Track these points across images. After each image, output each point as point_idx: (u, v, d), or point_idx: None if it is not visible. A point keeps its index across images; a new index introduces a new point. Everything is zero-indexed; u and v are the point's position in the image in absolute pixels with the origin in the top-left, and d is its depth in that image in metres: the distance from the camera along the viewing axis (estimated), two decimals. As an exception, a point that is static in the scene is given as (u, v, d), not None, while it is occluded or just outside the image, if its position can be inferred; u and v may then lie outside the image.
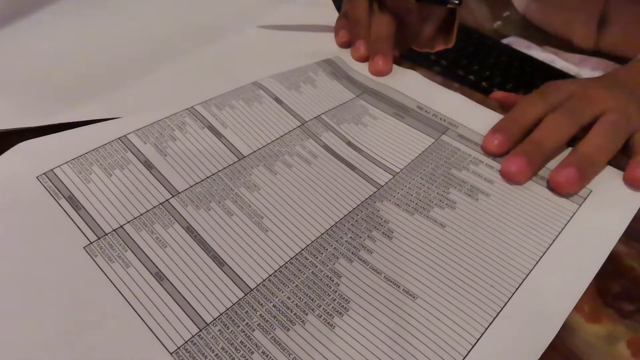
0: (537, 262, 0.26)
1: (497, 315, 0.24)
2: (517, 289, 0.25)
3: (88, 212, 0.25)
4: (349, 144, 0.32)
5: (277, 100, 0.33)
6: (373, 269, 0.25)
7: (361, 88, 0.37)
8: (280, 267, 0.25)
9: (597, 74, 0.40)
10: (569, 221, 0.28)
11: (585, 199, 0.30)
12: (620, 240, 0.27)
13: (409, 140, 0.33)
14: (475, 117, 0.34)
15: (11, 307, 0.21)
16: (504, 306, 0.25)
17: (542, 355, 0.23)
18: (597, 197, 0.29)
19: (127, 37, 0.38)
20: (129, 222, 0.25)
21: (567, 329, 0.24)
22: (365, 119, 0.34)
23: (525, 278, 0.26)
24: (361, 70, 0.38)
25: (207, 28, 0.41)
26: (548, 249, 0.27)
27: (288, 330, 0.23)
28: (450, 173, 0.31)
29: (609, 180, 0.30)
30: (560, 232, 0.28)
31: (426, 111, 0.35)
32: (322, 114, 0.34)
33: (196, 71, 0.36)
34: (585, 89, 0.33)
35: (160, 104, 0.31)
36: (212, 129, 0.30)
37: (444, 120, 0.34)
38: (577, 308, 0.25)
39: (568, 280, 0.26)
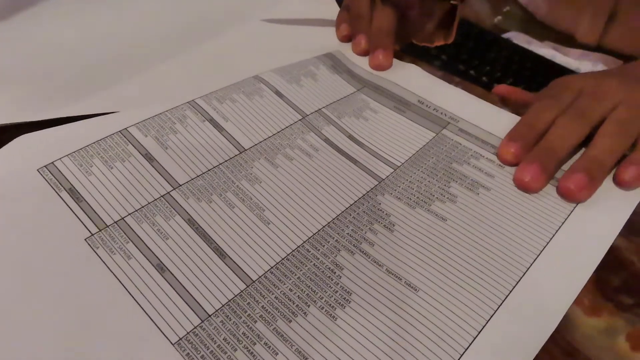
0: (537, 256, 0.26)
1: (497, 309, 0.24)
2: (517, 283, 0.25)
3: (89, 204, 0.24)
4: (350, 137, 0.32)
5: (278, 93, 0.33)
6: (375, 262, 0.25)
7: (362, 82, 0.36)
8: (282, 259, 0.25)
9: (597, 69, 0.40)
10: (569, 215, 0.28)
11: None
12: (621, 234, 0.27)
13: (409, 134, 0.33)
14: (476, 111, 0.34)
15: (12, 299, 0.21)
16: (504, 299, 0.25)
17: (542, 348, 0.23)
18: (597, 192, 0.29)
19: (127, 31, 0.38)
20: (130, 214, 0.25)
21: (566, 322, 0.24)
22: (367, 113, 0.34)
23: (526, 272, 0.26)
24: (362, 64, 0.38)
25: (208, 22, 0.40)
26: (548, 243, 0.27)
27: (290, 321, 0.23)
28: (452, 167, 0.31)
29: (609, 175, 0.30)
30: (560, 227, 0.28)
31: (427, 105, 0.35)
32: (323, 107, 0.33)
33: (197, 65, 0.36)
34: (595, 83, 0.32)
35: (161, 98, 0.31)
36: (213, 122, 0.30)
37: (445, 115, 0.34)
38: (577, 301, 0.25)
39: (568, 274, 0.26)
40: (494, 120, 0.34)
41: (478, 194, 0.29)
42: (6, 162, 0.25)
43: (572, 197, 0.29)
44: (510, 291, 0.25)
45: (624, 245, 0.27)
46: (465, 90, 0.36)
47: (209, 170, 0.28)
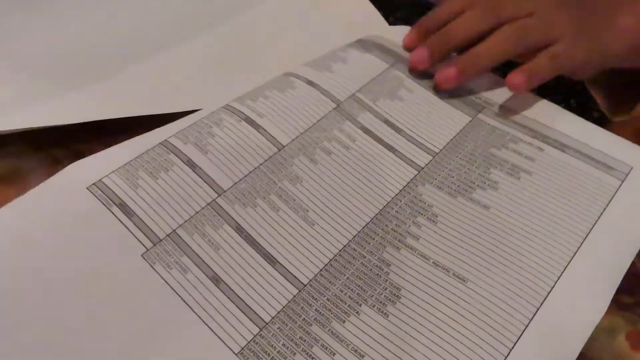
0: (584, 240, 0.26)
1: (548, 294, 0.25)
2: (565, 268, 0.26)
3: (141, 219, 0.25)
4: (387, 122, 0.32)
5: (310, 83, 0.33)
6: (421, 256, 0.26)
7: (394, 56, 0.36)
8: (330, 260, 0.25)
9: None
10: (611, 199, 0.28)
11: (627, 175, 0.30)
12: None
13: (446, 117, 0.32)
14: (509, 95, 0.34)
15: (76, 318, 0.22)
16: (554, 285, 0.25)
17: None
18: (637, 175, 0.30)
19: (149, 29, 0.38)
20: (180, 225, 0.25)
21: None
22: (402, 92, 0.34)
23: (573, 257, 0.26)
24: (392, 38, 0.37)
25: (240, 26, 0.40)
26: (593, 226, 0.27)
27: (344, 322, 0.23)
28: (490, 152, 0.31)
29: None
30: (604, 210, 0.28)
31: (462, 87, 0.34)
32: (357, 91, 0.33)
33: (229, 68, 0.36)
34: None
35: (194, 102, 0.31)
36: (248, 120, 0.30)
37: (480, 99, 0.34)
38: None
39: (613, 258, 0.26)
40: (528, 104, 0.33)
41: (519, 178, 0.29)
42: (58, 185, 0.26)
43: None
44: (559, 277, 0.25)
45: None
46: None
47: (250, 172, 0.28)
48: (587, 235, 0.27)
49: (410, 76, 0.34)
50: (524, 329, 0.24)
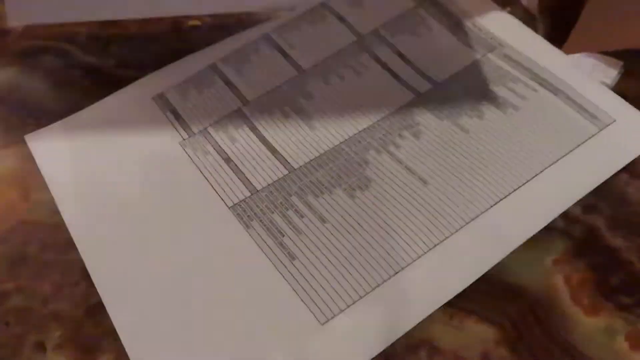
0: (543, 170, 0.29)
1: (493, 206, 0.28)
2: (516, 189, 0.29)
3: (184, 120, 0.34)
4: (399, 54, 0.36)
5: (340, 18, 0.38)
6: (397, 160, 0.30)
7: None
8: (320, 154, 0.31)
9: (598, 69, 0.37)
10: (583, 142, 0.30)
11: (607, 125, 0.31)
12: (620, 234, 0.28)
13: (457, 54, 0.36)
14: (524, 39, 0.36)
15: (129, 187, 0.31)
16: (499, 200, 0.29)
17: (540, 347, 0.25)
18: (616, 128, 0.31)
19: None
20: (210, 125, 0.33)
21: (565, 321, 0.25)
22: (421, 29, 0.37)
23: (527, 182, 0.29)
24: None
25: None
26: (557, 160, 0.30)
27: (317, 197, 0.29)
28: (488, 87, 0.33)
29: (633, 116, 0.32)
30: (572, 150, 0.30)
31: (479, 29, 0.37)
32: (380, 26, 0.37)
33: None
34: None
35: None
36: (280, 50, 0.37)
37: (494, 40, 0.36)
38: (576, 301, 0.26)
39: (560, 193, 0.29)
40: (542, 51, 0.35)
41: (505, 113, 0.32)
42: (132, 93, 0.35)
43: None
44: (511, 192, 0.29)
45: (624, 245, 0.28)
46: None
47: (272, 89, 0.35)
48: (548, 166, 0.29)
49: (433, 16, 0.38)
50: (461, 228, 0.28)
